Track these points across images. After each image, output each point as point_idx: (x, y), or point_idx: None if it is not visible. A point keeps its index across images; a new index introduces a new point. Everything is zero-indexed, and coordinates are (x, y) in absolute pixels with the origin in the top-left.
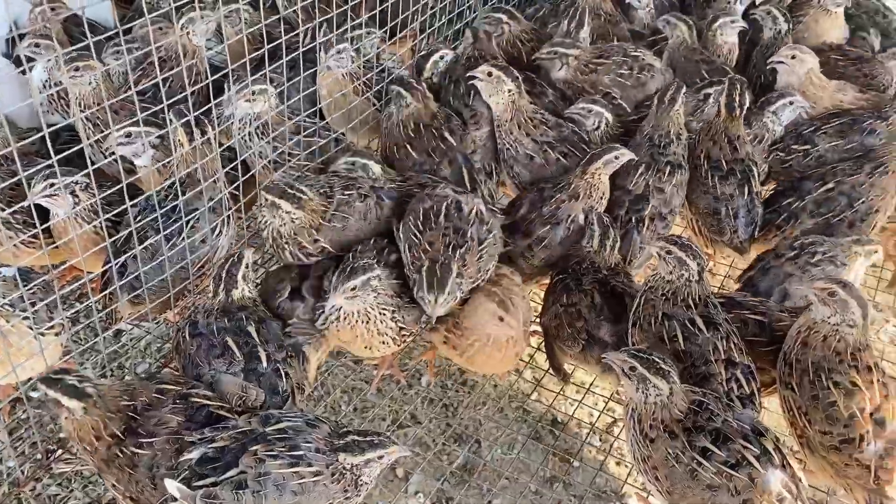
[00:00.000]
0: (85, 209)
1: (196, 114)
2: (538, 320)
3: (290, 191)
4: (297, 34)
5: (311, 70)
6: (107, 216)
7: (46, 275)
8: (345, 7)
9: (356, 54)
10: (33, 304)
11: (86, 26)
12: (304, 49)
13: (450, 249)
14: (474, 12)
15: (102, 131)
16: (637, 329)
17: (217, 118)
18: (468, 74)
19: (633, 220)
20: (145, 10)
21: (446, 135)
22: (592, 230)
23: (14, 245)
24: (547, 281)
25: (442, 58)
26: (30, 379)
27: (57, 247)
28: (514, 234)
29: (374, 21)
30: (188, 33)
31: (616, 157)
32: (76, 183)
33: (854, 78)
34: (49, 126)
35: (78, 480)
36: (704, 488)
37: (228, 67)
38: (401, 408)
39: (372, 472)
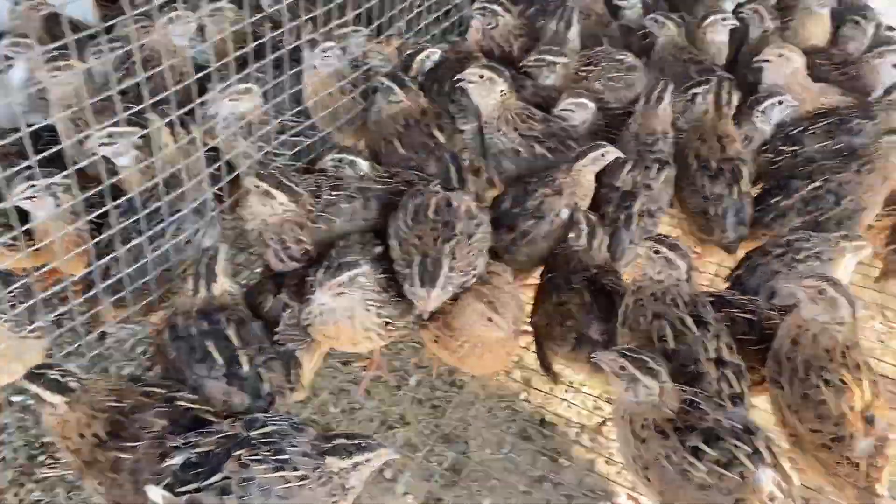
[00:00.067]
0: (66, 211)
1: (178, 113)
2: (529, 320)
3: (285, 181)
4: (282, 33)
5: (297, 69)
6: (89, 218)
7: (27, 277)
8: (330, 5)
9: (342, 53)
10: (14, 308)
11: (65, 24)
12: (289, 48)
13: (439, 243)
14: (461, 11)
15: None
16: (626, 328)
17: (201, 118)
18: (457, 78)
19: (622, 217)
20: (127, 8)
21: (435, 132)
22: (580, 228)
23: None
24: (531, 280)
25: (429, 56)
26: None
27: (38, 249)
28: (498, 228)
29: (360, 19)
30: (169, 32)
31: (603, 155)
32: (57, 184)
33: (838, 82)
34: (29, 126)
35: (62, 485)
36: (696, 488)
37: (212, 66)
38: (389, 409)
39: (360, 476)
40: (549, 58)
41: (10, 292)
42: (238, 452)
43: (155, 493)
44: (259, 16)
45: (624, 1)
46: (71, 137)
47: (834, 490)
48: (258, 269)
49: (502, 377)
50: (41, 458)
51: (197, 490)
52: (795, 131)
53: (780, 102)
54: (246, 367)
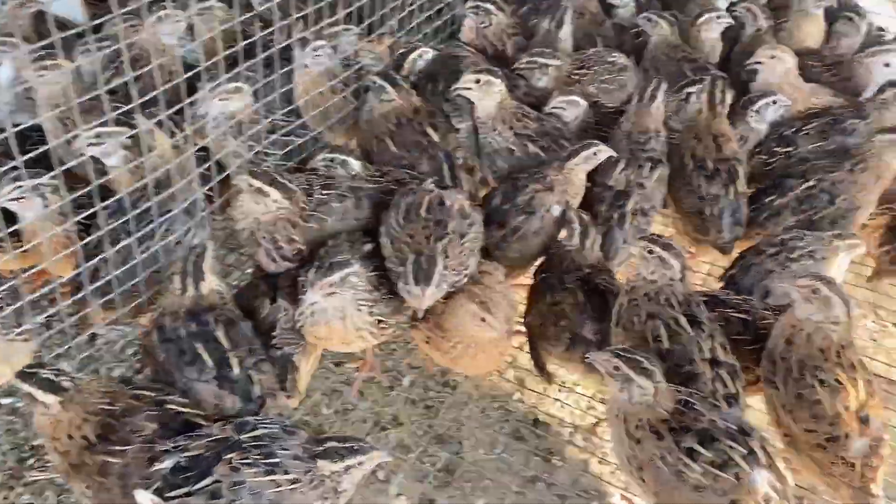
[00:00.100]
0: (54, 212)
1: (167, 113)
2: (522, 319)
3: (279, 179)
4: (272, 31)
5: (287, 68)
6: (77, 218)
7: (15, 280)
8: (321, 3)
9: (333, 51)
10: (1, 310)
11: (51, 23)
12: (280, 47)
13: (432, 241)
14: (453, 10)
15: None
16: (620, 329)
17: (191, 117)
18: (453, 88)
19: (616, 216)
20: (115, 6)
21: (429, 130)
22: (573, 228)
23: None
24: (523, 280)
25: (421, 56)
26: None
27: (26, 251)
28: (489, 225)
29: (351, 18)
30: (158, 31)
31: (595, 154)
32: (45, 185)
33: (829, 83)
34: (15, 126)
35: (52, 489)
36: (691, 489)
37: (202, 65)
38: (382, 410)
39: (352, 479)
40: (542, 60)
41: None
42: (228, 456)
43: (144, 497)
44: (249, 14)
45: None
46: (59, 137)
47: (828, 490)
48: (249, 270)
49: (496, 377)
50: (31, 461)
51: (187, 494)
52: (789, 132)
53: (774, 102)
54: (236, 370)
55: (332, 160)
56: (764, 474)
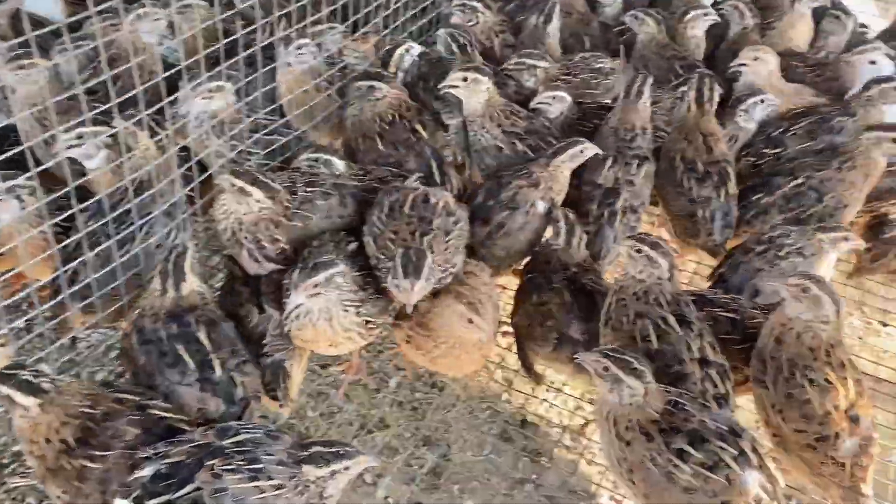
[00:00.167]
0: (31, 214)
1: (147, 113)
2: (509, 320)
3: (261, 178)
4: (255, 29)
5: (270, 67)
6: (54, 221)
7: None
8: (304, 1)
9: (318, 49)
10: None
11: (25, 21)
12: (262, 45)
13: (416, 237)
14: (438, 8)
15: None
16: (609, 328)
17: (172, 117)
18: (441, 86)
19: (606, 214)
20: (91, 4)
21: (417, 127)
22: (559, 226)
23: None
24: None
25: (408, 51)
26: None
27: (2, 254)
28: (473, 222)
29: (336, 16)
30: (136, 30)
31: (581, 152)
32: (21, 186)
33: (813, 84)
34: None
35: (33, 495)
36: (681, 491)
37: (182, 64)
38: (369, 412)
39: (338, 484)
40: (530, 61)
41: None
42: (210, 462)
43: None
44: (230, 12)
45: None
46: (36, 137)
47: (818, 490)
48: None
49: (483, 378)
50: (12, 466)
51: (168, 502)
52: (777, 133)
53: (762, 101)
54: (219, 372)
55: (315, 160)
56: (755, 475)
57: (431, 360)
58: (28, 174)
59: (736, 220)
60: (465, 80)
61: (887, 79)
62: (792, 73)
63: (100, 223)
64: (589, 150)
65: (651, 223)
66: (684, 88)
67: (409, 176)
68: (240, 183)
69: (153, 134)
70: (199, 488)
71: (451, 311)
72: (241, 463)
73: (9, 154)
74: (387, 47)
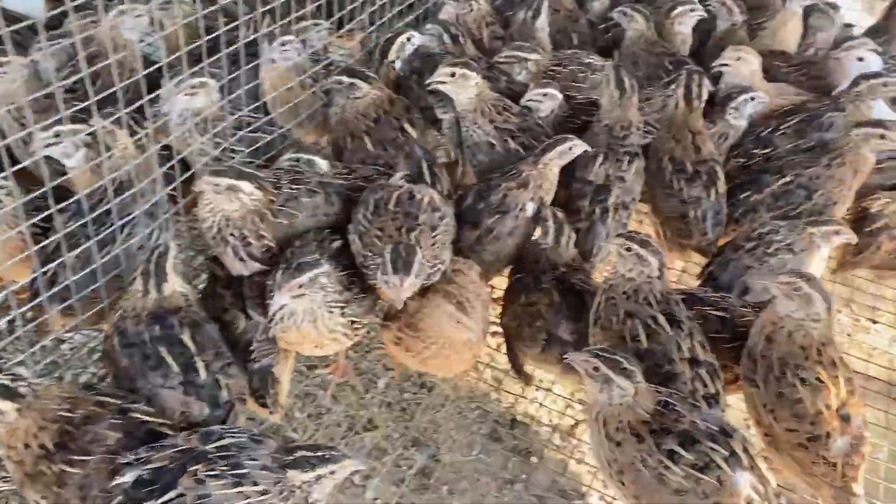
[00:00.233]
0: (8, 214)
1: (127, 111)
2: (498, 320)
3: (246, 171)
4: (237, 26)
5: (254, 63)
6: (32, 221)
7: None
8: None
9: (302, 46)
10: None
11: None
12: (245, 41)
13: (403, 233)
14: (425, 4)
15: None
16: (598, 328)
17: (154, 115)
18: (428, 82)
19: (598, 211)
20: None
21: (406, 126)
22: (547, 226)
23: None
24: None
25: (409, 39)
26: None
27: None
28: (462, 226)
29: (321, 12)
30: (117, 26)
31: (570, 149)
32: None
33: (798, 83)
34: None
35: (15, 500)
36: (672, 492)
37: (163, 61)
38: (357, 413)
39: (323, 489)
40: (522, 54)
41: None
42: (193, 468)
43: None
44: (212, 8)
45: None
46: (13, 136)
47: (809, 489)
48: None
49: (472, 378)
50: None
51: None
52: (766, 132)
53: (753, 98)
54: (203, 374)
55: (297, 161)
56: (746, 476)
57: (421, 361)
58: (3, 174)
59: (726, 219)
60: (453, 75)
61: (875, 75)
62: (775, 73)
63: (79, 223)
64: (578, 146)
65: (639, 221)
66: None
67: (394, 174)
68: (226, 181)
69: (133, 133)
70: (181, 494)
71: (440, 311)
72: (225, 468)
73: None
74: (386, 37)
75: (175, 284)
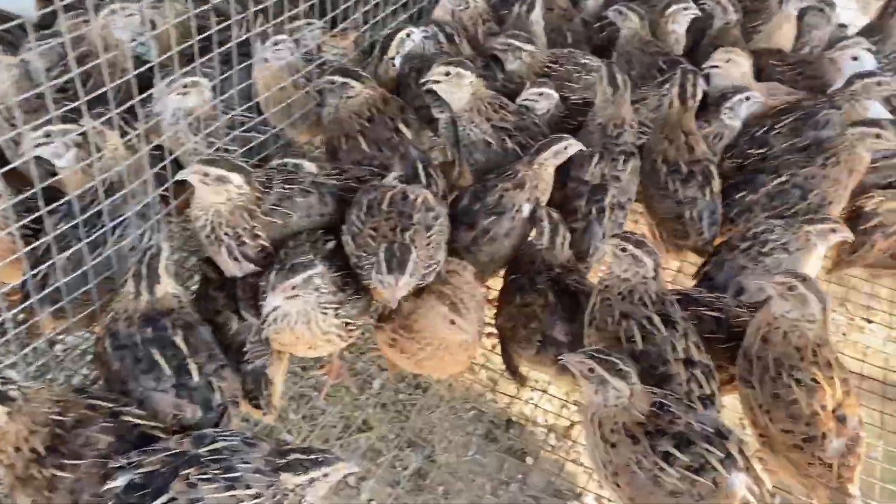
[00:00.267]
0: None
1: (118, 111)
2: (493, 321)
3: (238, 163)
4: (230, 25)
5: (246, 64)
6: (23, 222)
7: None
8: None
9: (296, 45)
10: None
11: None
12: (238, 41)
13: (397, 232)
14: (419, 3)
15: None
16: (593, 329)
17: (146, 116)
18: (422, 81)
19: (594, 211)
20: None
21: (400, 126)
22: (542, 226)
23: None
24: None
25: (408, 35)
26: None
27: None
28: (458, 227)
29: (314, 11)
30: (108, 25)
31: (565, 148)
32: None
33: (794, 82)
34: None
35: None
36: (667, 494)
37: (155, 61)
38: (352, 414)
39: (317, 492)
40: (517, 43)
41: None
42: (186, 471)
43: None
44: (204, 7)
45: None
46: (3, 136)
47: (804, 490)
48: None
49: (468, 379)
50: None
51: None
52: (761, 132)
53: (748, 98)
54: (196, 377)
55: (284, 165)
56: (742, 478)
57: (416, 362)
58: None
59: (721, 218)
60: (447, 74)
61: (869, 73)
62: (771, 72)
63: (70, 225)
64: (573, 146)
65: (634, 221)
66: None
67: (387, 175)
68: (216, 171)
69: (124, 134)
70: (173, 498)
71: (434, 312)
72: (218, 472)
73: None
74: (386, 33)
75: (167, 286)
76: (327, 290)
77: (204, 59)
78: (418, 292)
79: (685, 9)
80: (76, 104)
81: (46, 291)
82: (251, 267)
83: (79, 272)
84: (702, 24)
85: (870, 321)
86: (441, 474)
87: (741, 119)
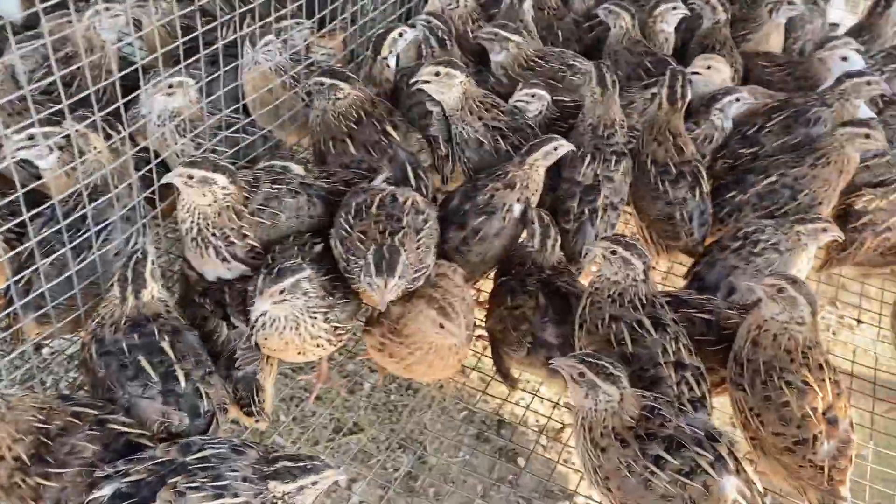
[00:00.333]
0: None
1: (103, 114)
2: (483, 324)
3: (221, 164)
4: (217, 26)
5: (233, 65)
6: (6, 227)
7: None
8: None
9: (284, 46)
10: None
11: None
12: (225, 42)
13: (386, 235)
14: (408, 3)
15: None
16: (584, 332)
17: (132, 118)
18: (412, 81)
19: (587, 212)
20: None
21: (389, 128)
22: (533, 228)
23: None
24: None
25: (401, 34)
26: None
27: None
28: (448, 227)
29: (302, 11)
30: (93, 26)
31: (556, 149)
32: None
33: (783, 83)
34: None
35: None
36: (658, 498)
37: (140, 62)
38: (343, 415)
39: (305, 499)
40: (503, 33)
41: None
42: (173, 480)
43: None
44: (191, 8)
45: None
46: None
47: (795, 492)
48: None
49: (458, 381)
50: None
51: None
52: (752, 131)
53: (738, 99)
54: (183, 383)
55: (271, 167)
56: (733, 481)
57: (405, 367)
58: None
59: (711, 218)
60: (437, 74)
61: (859, 73)
62: (759, 74)
63: (53, 230)
64: (563, 147)
65: (625, 222)
66: (654, 90)
67: (375, 177)
68: (200, 173)
69: (108, 136)
70: None
71: (423, 316)
72: (205, 480)
73: None
74: (378, 32)
75: (153, 291)
76: (316, 294)
77: (191, 60)
78: (407, 296)
79: (674, 8)
80: (59, 107)
81: (30, 297)
82: (241, 268)
83: (63, 277)
84: (691, 24)
85: (860, 321)
86: (432, 476)
87: (731, 120)
